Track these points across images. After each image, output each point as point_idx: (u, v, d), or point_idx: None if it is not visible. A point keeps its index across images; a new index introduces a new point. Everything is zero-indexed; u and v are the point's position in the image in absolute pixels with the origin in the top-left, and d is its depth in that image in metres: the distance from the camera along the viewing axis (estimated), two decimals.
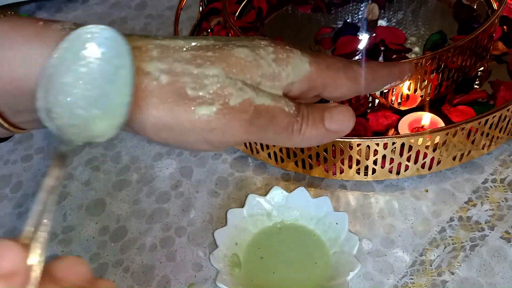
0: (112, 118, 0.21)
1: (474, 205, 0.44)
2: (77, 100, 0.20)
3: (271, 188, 0.44)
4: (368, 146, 0.42)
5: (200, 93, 0.23)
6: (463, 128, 0.42)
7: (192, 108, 0.23)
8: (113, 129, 0.21)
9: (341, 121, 0.27)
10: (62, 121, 0.20)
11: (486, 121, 0.42)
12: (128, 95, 0.21)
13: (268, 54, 0.25)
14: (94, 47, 0.20)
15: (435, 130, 0.42)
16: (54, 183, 0.20)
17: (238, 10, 0.60)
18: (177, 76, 0.23)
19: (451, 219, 0.43)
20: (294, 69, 0.26)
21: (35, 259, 0.17)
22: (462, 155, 0.45)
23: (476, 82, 0.52)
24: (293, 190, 0.44)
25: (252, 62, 0.24)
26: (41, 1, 0.76)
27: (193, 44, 0.24)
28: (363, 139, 0.42)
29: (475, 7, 0.55)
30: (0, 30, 0.22)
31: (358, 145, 0.42)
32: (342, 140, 0.42)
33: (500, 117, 0.43)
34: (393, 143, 0.42)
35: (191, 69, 0.23)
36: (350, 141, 0.42)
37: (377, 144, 0.42)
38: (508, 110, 0.43)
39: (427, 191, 0.45)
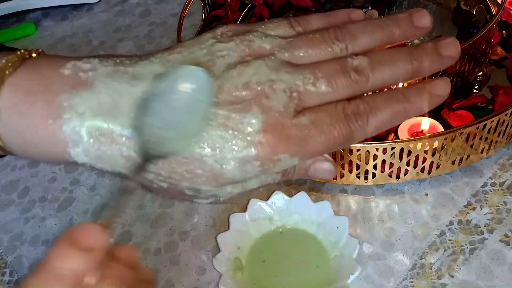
0: (184, 139, 0.25)
1: (474, 209, 0.44)
2: (159, 122, 0.24)
3: (273, 192, 0.45)
4: (368, 151, 0.43)
5: (196, 194, 0.27)
6: (461, 133, 0.43)
7: (192, 199, 0.27)
8: (183, 148, 0.25)
9: (323, 175, 0.29)
10: (144, 137, 0.25)
11: (485, 125, 0.43)
12: (200, 123, 0.25)
13: (254, 168, 0.26)
14: (188, 83, 0.24)
15: (434, 135, 0.43)
16: (129, 188, 0.24)
17: (240, 17, 0.61)
18: (176, 186, 0.26)
19: (451, 223, 0.44)
20: (282, 167, 0.27)
21: (109, 240, 0.23)
22: (461, 159, 0.45)
23: (475, 87, 0.52)
24: (295, 194, 0.44)
25: (239, 180, 0.26)
26: (47, 9, 0.77)
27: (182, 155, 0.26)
28: (363, 144, 0.43)
29: (474, 12, 0.56)
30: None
31: (358, 150, 0.43)
32: None
33: (498, 121, 0.43)
34: (393, 148, 0.43)
35: (186, 181, 0.26)
36: (350, 146, 0.43)
37: (377, 149, 0.43)
38: (506, 114, 0.43)
39: (426, 195, 0.46)
